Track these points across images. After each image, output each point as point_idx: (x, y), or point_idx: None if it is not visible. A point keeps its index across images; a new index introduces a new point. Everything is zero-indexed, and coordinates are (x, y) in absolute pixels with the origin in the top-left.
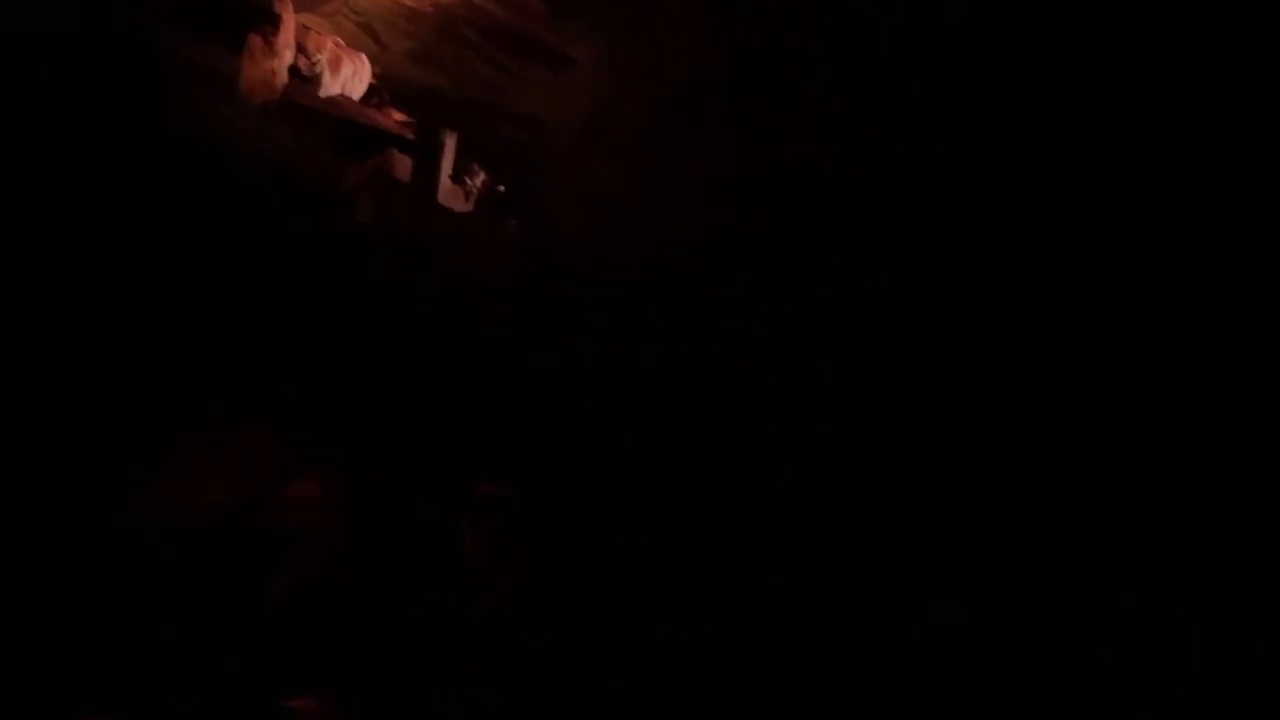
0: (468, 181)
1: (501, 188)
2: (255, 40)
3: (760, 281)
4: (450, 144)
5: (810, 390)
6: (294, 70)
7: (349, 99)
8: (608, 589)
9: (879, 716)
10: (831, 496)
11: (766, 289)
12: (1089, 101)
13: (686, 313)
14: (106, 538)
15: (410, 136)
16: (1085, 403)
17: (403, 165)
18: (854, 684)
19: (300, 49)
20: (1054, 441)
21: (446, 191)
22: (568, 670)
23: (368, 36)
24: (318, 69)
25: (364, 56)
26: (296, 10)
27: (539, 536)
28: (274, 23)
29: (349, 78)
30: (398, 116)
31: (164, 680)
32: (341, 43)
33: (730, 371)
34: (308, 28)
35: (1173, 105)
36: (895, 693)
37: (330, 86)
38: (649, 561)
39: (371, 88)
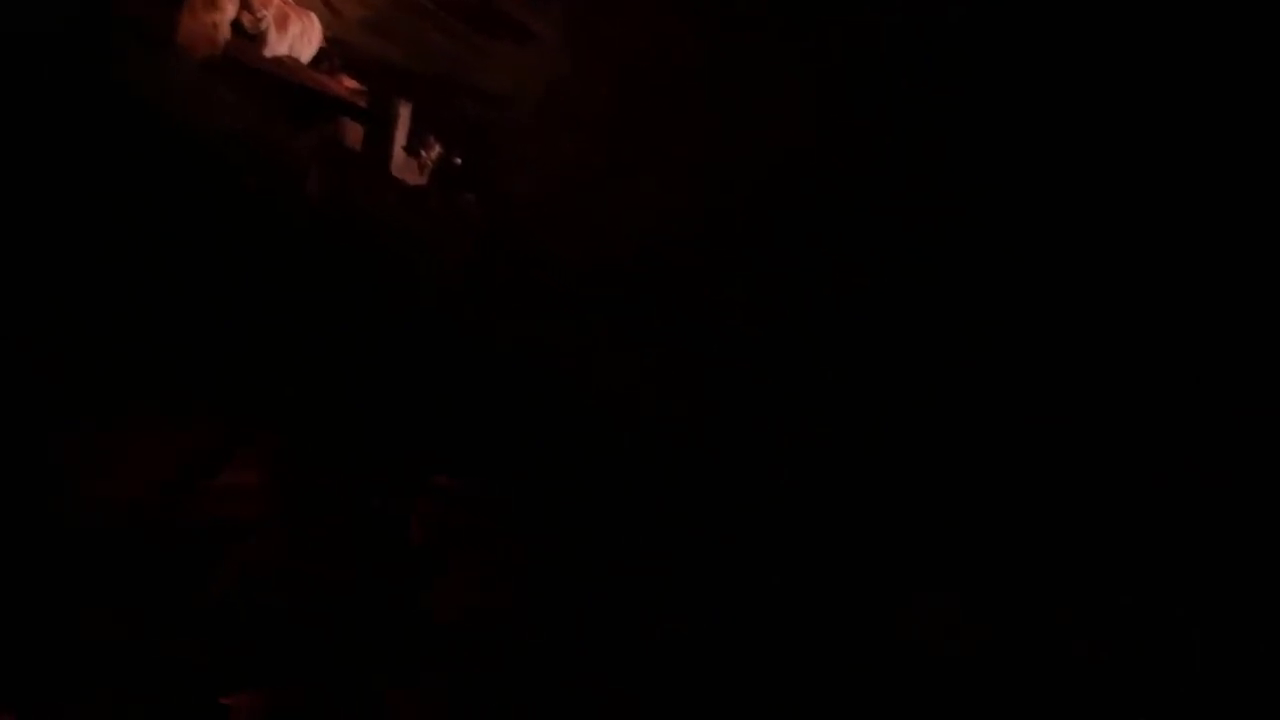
0: (422, 154)
1: (458, 160)
2: None
3: (760, 281)
4: (404, 114)
5: (810, 390)
6: (237, 27)
7: (296, 61)
8: (608, 589)
9: (880, 715)
10: (831, 496)
11: (766, 288)
12: (1088, 96)
13: (686, 312)
14: (31, 529)
15: (362, 105)
16: (1085, 402)
17: (354, 134)
18: (855, 684)
19: (244, 4)
20: (1054, 441)
21: (400, 163)
22: (567, 670)
23: (319, 1)
24: (263, 25)
25: (313, 16)
26: None
27: (538, 536)
28: None
29: (297, 38)
30: (349, 83)
31: (95, 677)
32: (290, 0)
33: (730, 372)
34: None
35: (1172, 105)
36: (895, 692)
37: (276, 46)
38: (649, 561)
39: (321, 51)
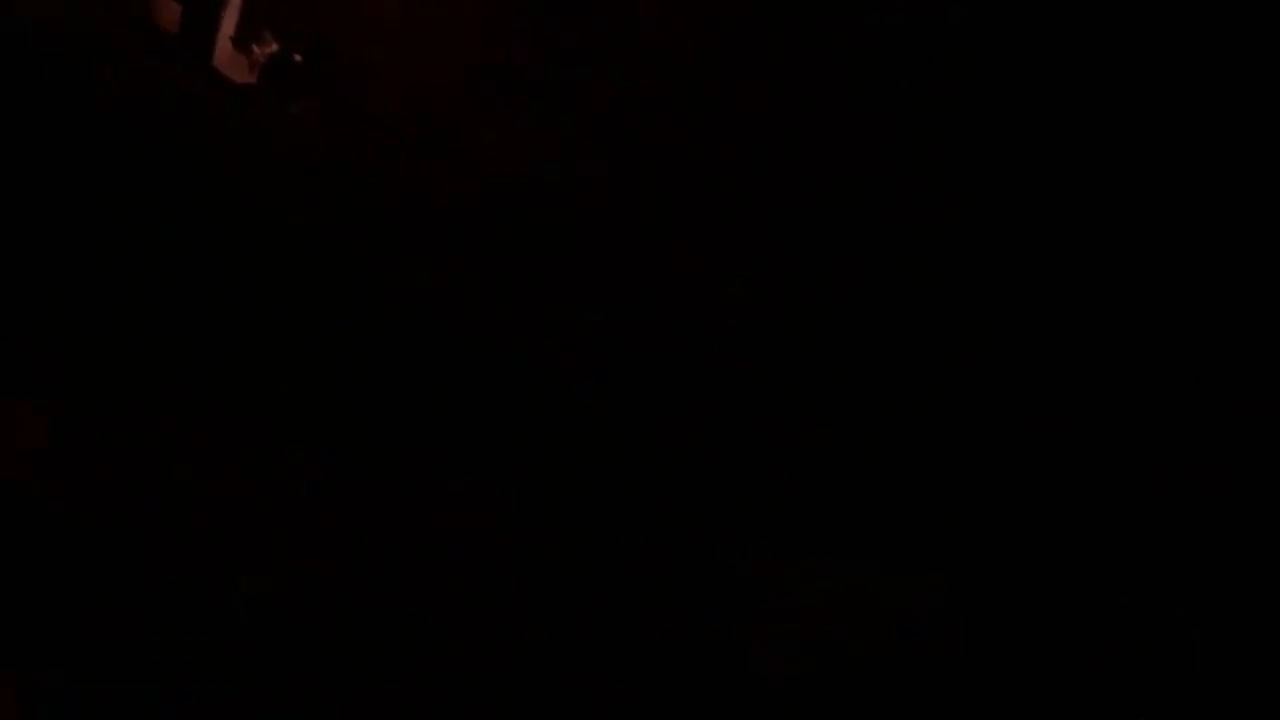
0: (254, 49)
1: (298, 59)
2: None
3: (760, 281)
4: None
5: (810, 390)
6: None
7: None
8: (608, 589)
9: (879, 715)
10: (832, 496)
11: (766, 288)
12: (1088, 96)
13: (687, 313)
14: None
15: None
16: (1085, 402)
17: (169, 15)
18: (854, 681)
19: None
20: (1053, 442)
21: (225, 56)
22: (568, 670)
23: None
24: None
25: None
26: None
27: (539, 536)
28: None
29: None
30: None
31: None
32: None
33: (730, 372)
34: None
35: (1173, 104)
36: (895, 690)
37: None
38: (649, 561)
39: None
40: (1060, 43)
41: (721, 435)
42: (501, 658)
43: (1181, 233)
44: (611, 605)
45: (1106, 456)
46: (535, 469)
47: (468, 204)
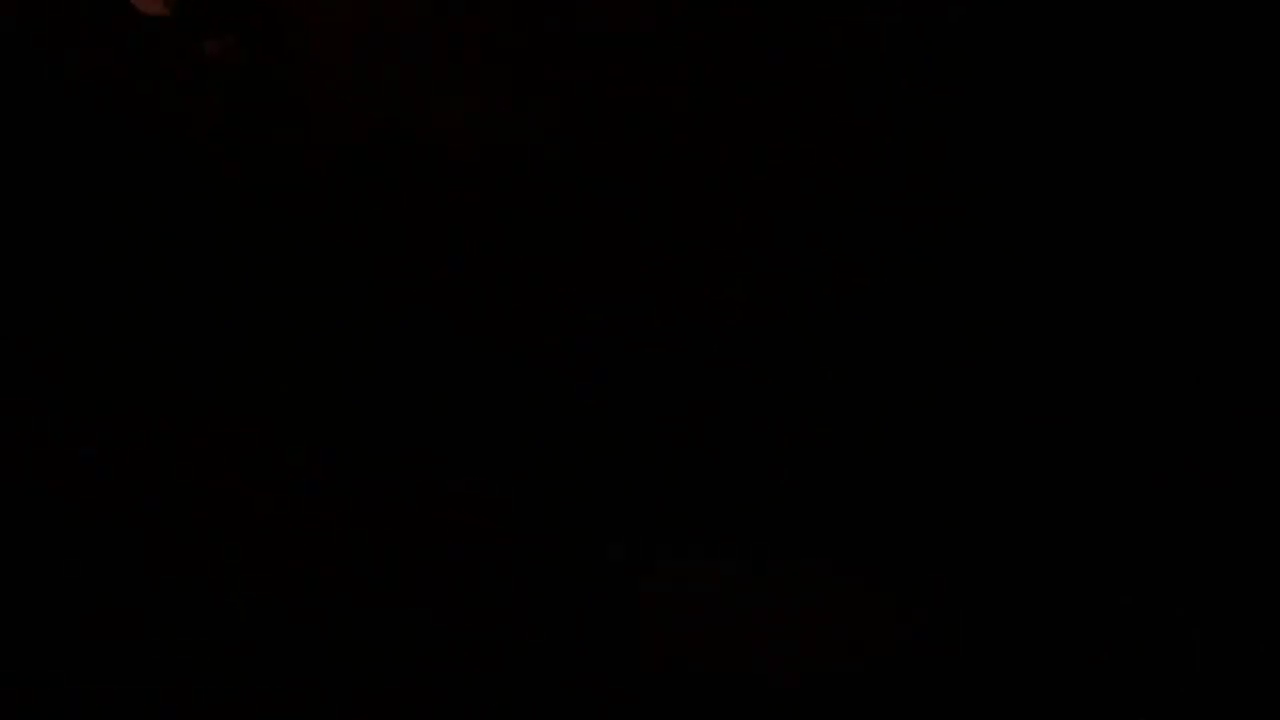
0: None
1: None
2: None
3: (760, 281)
4: None
5: (810, 390)
6: None
7: None
8: (607, 589)
9: (879, 715)
10: (832, 497)
11: (766, 288)
12: (1088, 96)
13: (687, 313)
14: None
15: None
16: (1085, 402)
17: None
18: (854, 681)
19: None
20: (1053, 442)
21: None
22: (568, 670)
23: None
24: None
25: None
26: None
27: (539, 536)
28: None
29: None
30: None
31: None
32: None
33: (730, 372)
34: None
35: (1173, 104)
36: (896, 690)
37: None
38: (649, 561)
39: None
40: (1060, 43)
41: (721, 435)
42: (501, 658)
43: (1181, 232)
44: (611, 605)
45: (1106, 456)
46: (535, 469)
47: (466, 204)
